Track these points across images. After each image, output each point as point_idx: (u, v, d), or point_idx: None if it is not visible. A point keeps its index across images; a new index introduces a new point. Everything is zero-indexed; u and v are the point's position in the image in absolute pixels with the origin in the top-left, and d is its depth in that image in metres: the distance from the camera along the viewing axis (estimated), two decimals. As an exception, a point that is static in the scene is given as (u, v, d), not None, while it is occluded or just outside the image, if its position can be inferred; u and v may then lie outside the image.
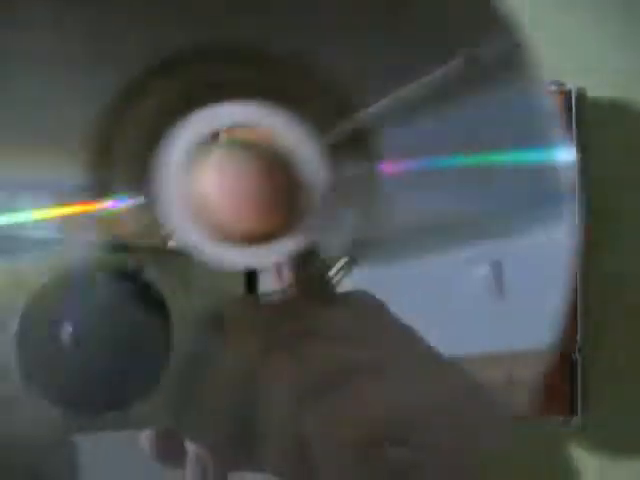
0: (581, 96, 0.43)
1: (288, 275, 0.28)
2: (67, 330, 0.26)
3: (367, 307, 0.28)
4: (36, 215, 0.27)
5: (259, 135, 0.26)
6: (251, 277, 0.27)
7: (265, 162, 0.25)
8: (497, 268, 0.29)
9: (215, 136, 0.26)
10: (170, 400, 0.27)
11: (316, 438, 0.26)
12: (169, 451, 0.27)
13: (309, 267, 0.28)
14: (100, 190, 0.27)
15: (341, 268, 0.28)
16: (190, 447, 0.27)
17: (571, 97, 0.43)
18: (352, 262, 0.28)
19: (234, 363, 0.27)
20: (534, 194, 0.29)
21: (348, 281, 0.28)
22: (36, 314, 0.26)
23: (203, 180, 0.25)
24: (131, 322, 0.26)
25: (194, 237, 0.25)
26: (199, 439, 0.27)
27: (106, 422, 0.26)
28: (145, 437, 0.27)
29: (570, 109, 0.43)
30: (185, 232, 0.25)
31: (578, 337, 0.42)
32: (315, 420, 0.26)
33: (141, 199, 0.27)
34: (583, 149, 0.43)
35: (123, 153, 0.27)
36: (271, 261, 0.26)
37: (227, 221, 0.25)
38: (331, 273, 0.28)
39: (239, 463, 0.27)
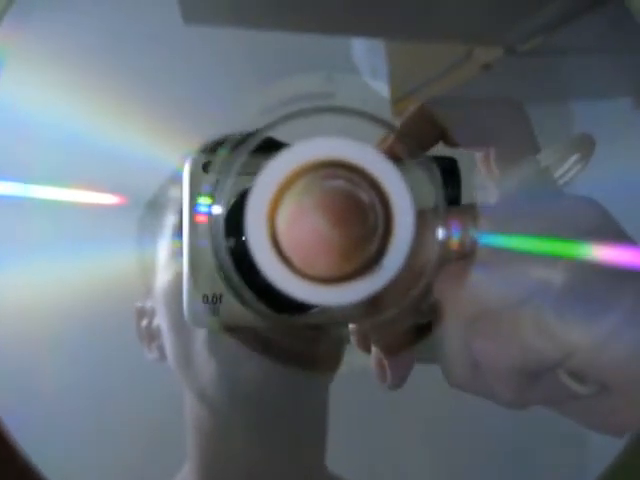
0: None
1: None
2: None
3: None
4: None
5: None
6: None
7: (341, 209, 0.25)
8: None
9: (301, 173, 0.25)
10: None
11: (484, 359, 0.27)
12: (364, 345, 0.30)
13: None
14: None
15: (572, 166, 0.28)
16: (374, 350, 0.30)
17: None
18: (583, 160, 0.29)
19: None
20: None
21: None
22: None
23: (281, 222, 0.25)
24: None
25: (280, 273, 0.25)
26: (389, 353, 0.29)
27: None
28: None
29: None
30: (271, 268, 0.25)
31: None
32: (484, 343, 0.27)
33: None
34: None
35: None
36: (350, 300, 0.26)
37: (302, 265, 0.25)
38: (561, 171, 0.28)
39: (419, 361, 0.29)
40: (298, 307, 0.28)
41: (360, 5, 0.44)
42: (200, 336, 0.42)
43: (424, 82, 0.47)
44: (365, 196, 0.25)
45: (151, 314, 0.45)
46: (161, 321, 0.44)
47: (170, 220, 0.42)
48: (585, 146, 0.29)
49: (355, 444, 0.43)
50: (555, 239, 0.26)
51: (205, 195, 0.28)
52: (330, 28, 0.46)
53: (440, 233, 0.26)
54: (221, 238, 0.27)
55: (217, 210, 0.27)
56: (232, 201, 0.28)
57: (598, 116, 0.35)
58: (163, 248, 0.44)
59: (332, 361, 0.41)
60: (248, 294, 0.28)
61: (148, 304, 0.45)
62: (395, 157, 0.26)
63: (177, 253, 0.30)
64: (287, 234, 0.25)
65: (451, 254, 0.26)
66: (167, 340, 0.43)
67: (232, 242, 0.28)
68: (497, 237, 0.26)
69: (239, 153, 0.27)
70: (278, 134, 0.26)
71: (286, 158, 0.24)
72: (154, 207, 0.44)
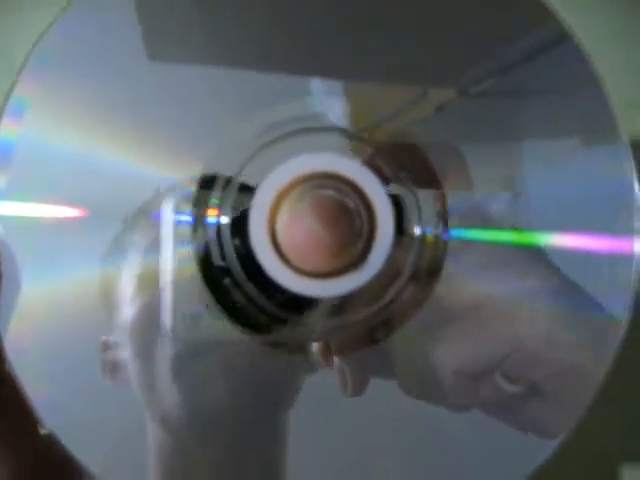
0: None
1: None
2: None
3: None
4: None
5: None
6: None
7: (331, 214, 0.29)
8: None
9: (297, 183, 0.29)
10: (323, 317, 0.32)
11: (439, 364, 0.30)
12: (325, 356, 0.32)
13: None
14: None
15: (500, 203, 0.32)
16: (335, 358, 0.32)
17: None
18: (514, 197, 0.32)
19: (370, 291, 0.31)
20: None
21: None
22: None
23: (280, 225, 0.29)
24: None
25: (277, 267, 0.29)
26: (341, 352, 0.32)
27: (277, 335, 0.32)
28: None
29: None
30: (270, 264, 0.29)
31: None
32: (438, 348, 0.30)
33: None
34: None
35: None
36: (341, 292, 0.29)
37: (297, 262, 0.29)
38: (492, 209, 0.32)
39: (375, 375, 0.32)
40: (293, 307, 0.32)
41: (317, 46, 0.46)
42: (165, 362, 0.42)
43: (380, 120, 0.49)
44: (351, 203, 0.29)
45: (115, 346, 0.45)
46: (126, 354, 0.44)
47: (143, 242, 0.42)
48: (511, 186, 0.33)
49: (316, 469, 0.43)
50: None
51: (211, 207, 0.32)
52: (287, 68, 0.48)
53: (417, 230, 0.31)
54: (228, 242, 0.31)
55: (224, 220, 0.31)
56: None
57: (547, 155, 0.38)
58: (128, 279, 0.44)
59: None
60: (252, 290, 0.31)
61: (112, 337, 0.45)
62: (378, 171, 0.30)
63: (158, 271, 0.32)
64: (285, 235, 0.29)
65: (426, 251, 0.31)
66: (131, 369, 0.43)
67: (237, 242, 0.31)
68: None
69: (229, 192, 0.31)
70: (276, 151, 0.29)
71: (284, 170, 0.28)
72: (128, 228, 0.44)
